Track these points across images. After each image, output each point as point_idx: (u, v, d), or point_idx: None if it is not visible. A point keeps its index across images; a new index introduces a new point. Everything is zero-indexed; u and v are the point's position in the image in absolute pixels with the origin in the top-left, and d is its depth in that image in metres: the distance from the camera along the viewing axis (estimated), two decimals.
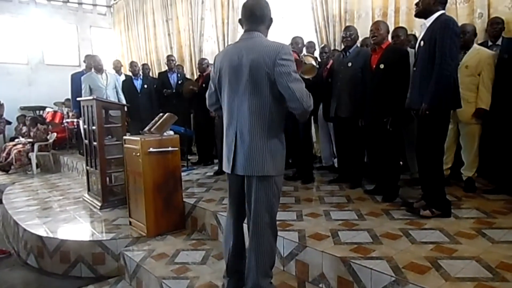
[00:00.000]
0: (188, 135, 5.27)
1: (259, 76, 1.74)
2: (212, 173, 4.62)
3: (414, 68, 2.73)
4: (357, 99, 3.39)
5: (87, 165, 4.55)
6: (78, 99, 4.94)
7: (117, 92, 5.53)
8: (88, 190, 4.56)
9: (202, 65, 5.26)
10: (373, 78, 3.19)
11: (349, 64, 3.53)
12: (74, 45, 10.43)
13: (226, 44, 6.67)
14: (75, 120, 7.78)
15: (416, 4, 2.65)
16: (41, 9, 9.53)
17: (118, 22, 10.41)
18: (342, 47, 3.70)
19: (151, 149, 3.13)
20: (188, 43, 7.66)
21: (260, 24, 1.84)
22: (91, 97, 4.21)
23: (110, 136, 4.44)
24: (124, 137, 3.48)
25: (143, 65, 6.26)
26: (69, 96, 8.34)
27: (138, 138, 3.17)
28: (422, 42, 2.63)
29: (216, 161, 5.35)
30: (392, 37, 3.50)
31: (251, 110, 1.78)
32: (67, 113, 8.41)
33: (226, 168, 1.90)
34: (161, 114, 3.55)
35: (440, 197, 2.63)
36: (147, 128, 3.49)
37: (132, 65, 5.88)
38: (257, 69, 1.74)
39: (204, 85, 5.12)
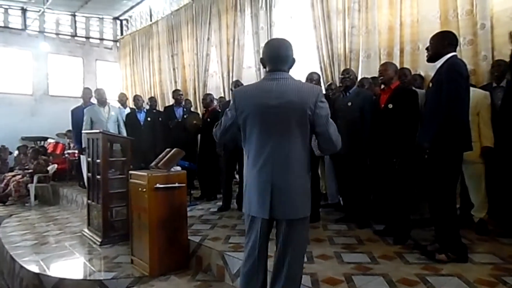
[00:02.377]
0: (192, 169, 5.22)
1: (299, 118, 1.74)
2: (216, 209, 4.53)
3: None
4: (355, 137, 3.43)
5: (88, 198, 4.47)
6: (83, 131, 4.97)
7: (118, 125, 5.56)
8: (88, 224, 4.46)
9: (207, 100, 5.31)
10: (382, 118, 3.21)
11: (349, 104, 3.58)
12: (79, 77, 10.63)
13: (230, 80, 6.78)
14: (76, 151, 7.80)
15: (427, 49, 2.71)
16: (49, 42, 9.77)
17: (124, 56, 10.65)
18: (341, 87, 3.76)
19: (158, 185, 3.07)
20: (193, 77, 7.81)
21: (285, 64, 1.84)
22: (97, 130, 4.21)
23: (113, 170, 4.41)
24: (130, 171, 3.43)
25: (150, 98, 6.32)
26: (71, 128, 8.52)
27: (145, 174, 3.12)
28: (430, 84, 2.67)
29: (219, 196, 5.29)
30: (399, 77, 3.55)
31: (291, 152, 1.76)
32: (68, 144, 8.43)
33: (259, 212, 1.81)
34: (168, 149, 3.52)
35: (455, 240, 2.56)
36: (153, 163, 3.45)
37: (136, 98, 5.95)
38: (298, 110, 1.73)
39: (209, 119, 5.15)
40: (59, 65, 10.24)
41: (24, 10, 9.64)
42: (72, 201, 6.37)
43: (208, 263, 3.07)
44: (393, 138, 3.08)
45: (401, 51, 4.70)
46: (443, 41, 2.60)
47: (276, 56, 1.83)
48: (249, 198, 1.87)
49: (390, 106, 3.17)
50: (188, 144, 5.44)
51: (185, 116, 5.71)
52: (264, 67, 1.89)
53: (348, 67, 5.09)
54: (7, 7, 9.42)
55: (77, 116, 5.48)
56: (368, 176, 3.50)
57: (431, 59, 2.68)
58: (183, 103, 5.99)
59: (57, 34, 10.24)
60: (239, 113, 1.86)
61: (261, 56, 1.91)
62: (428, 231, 3.15)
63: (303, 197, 1.78)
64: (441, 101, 2.48)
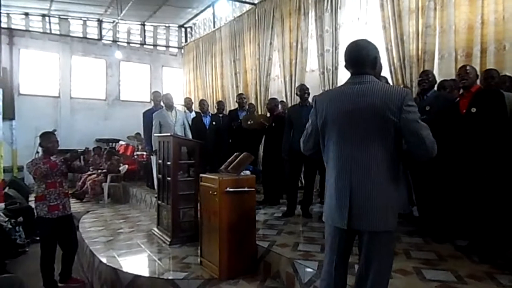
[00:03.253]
0: (255, 173, 5.25)
1: (381, 123, 1.65)
2: (280, 214, 4.50)
3: None
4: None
5: (158, 199, 4.66)
6: (155, 135, 5.20)
7: (184, 128, 5.74)
8: (158, 224, 4.65)
9: (271, 104, 5.30)
10: (464, 123, 2.97)
11: (427, 108, 3.34)
12: (146, 83, 11.26)
13: (293, 84, 6.74)
14: (145, 153, 8.22)
15: None
16: (121, 51, 10.46)
17: (188, 62, 11.08)
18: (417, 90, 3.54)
19: (228, 189, 3.11)
20: (255, 82, 7.88)
21: (367, 67, 1.76)
22: (167, 134, 4.38)
23: (181, 172, 4.56)
24: (201, 174, 3.51)
25: (219, 102, 6.49)
26: (140, 131, 8.99)
27: (216, 177, 3.17)
28: None
29: (282, 201, 5.25)
30: (486, 79, 3.26)
31: (370, 159, 1.67)
32: (137, 146, 8.92)
33: (337, 222, 1.76)
34: (237, 153, 3.55)
35: None
36: (223, 166, 3.50)
37: (201, 103, 6.12)
38: (380, 115, 1.65)
39: (273, 124, 5.14)
40: (129, 71, 10.95)
41: (100, 22, 10.44)
42: (141, 200, 6.71)
43: (277, 270, 3.04)
44: (478, 145, 2.83)
45: (483, 51, 4.33)
46: None
47: (357, 58, 1.76)
48: (328, 207, 1.81)
49: (473, 110, 2.94)
50: (252, 148, 5.47)
51: (249, 122, 5.74)
52: (348, 70, 1.83)
53: (422, 69, 4.81)
54: (85, 19, 10.26)
55: (148, 118, 5.76)
56: (449, 185, 3.23)
57: None
58: (247, 107, 6.05)
59: (128, 43, 10.96)
60: (319, 119, 1.83)
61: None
62: None
63: (385, 209, 1.66)
64: None
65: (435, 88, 3.59)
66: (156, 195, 5.59)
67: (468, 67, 3.08)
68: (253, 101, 7.77)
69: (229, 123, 5.77)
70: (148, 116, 5.80)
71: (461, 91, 3.14)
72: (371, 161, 1.66)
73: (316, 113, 1.86)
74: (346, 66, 1.84)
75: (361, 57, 1.76)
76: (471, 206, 2.95)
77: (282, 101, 6.23)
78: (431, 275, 2.50)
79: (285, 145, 4.45)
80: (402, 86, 4.81)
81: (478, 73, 3.31)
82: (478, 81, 3.22)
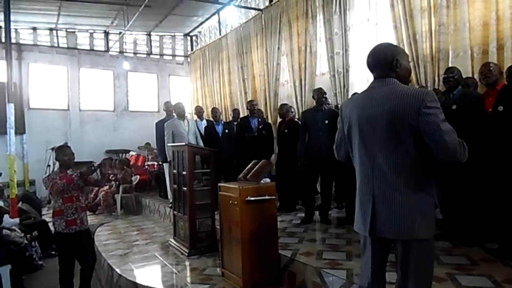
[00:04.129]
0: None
1: (399, 128, 1.59)
2: (298, 221, 4.43)
3: None
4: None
5: (174, 209, 4.61)
6: (168, 144, 5.16)
7: (196, 137, 5.69)
8: (174, 235, 4.59)
9: (283, 110, 5.25)
10: (491, 122, 2.88)
11: (454, 107, 3.24)
12: (154, 92, 11.27)
13: (303, 88, 6.69)
14: (156, 163, 8.21)
15: None
16: (128, 61, 10.50)
17: (194, 70, 11.08)
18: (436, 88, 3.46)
19: (249, 198, 3.05)
20: (264, 88, 7.82)
21: (388, 70, 1.72)
22: (181, 143, 4.34)
23: (196, 181, 4.51)
24: (220, 184, 3.46)
25: (234, 110, 6.45)
26: (149, 140, 8.99)
27: (236, 186, 3.11)
28: None
29: (298, 207, 5.18)
30: (509, 76, 3.17)
31: (391, 165, 1.62)
32: (148, 156, 8.91)
33: (361, 229, 1.74)
34: (255, 160, 3.49)
35: None
36: (241, 174, 3.45)
37: (214, 110, 6.08)
38: (397, 119, 1.59)
39: (286, 130, 5.09)
40: (136, 82, 10.96)
41: (106, 33, 10.49)
42: (154, 211, 6.67)
43: (303, 280, 2.95)
44: (507, 144, 2.74)
45: (500, 48, 4.23)
46: None
47: (378, 62, 1.74)
48: (356, 214, 1.79)
49: (501, 108, 2.86)
50: (264, 155, 5.41)
51: (260, 127, 5.70)
52: (372, 74, 1.80)
53: (436, 68, 4.73)
54: (92, 31, 10.32)
55: (160, 128, 5.73)
56: (477, 185, 3.13)
57: None
58: (256, 114, 5.98)
59: (135, 53, 10.99)
60: (344, 126, 1.83)
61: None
62: None
63: (411, 216, 1.59)
64: None
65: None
66: (170, 205, 5.63)
67: (491, 64, 3.02)
68: (262, 108, 7.69)
69: (240, 131, 5.73)
70: (160, 126, 5.78)
71: (485, 89, 3.06)
72: (392, 168, 1.62)
73: (342, 120, 1.86)
74: (369, 70, 1.81)
75: (378, 60, 1.74)
76: (501, 207, 2.86)
77: (291, 106, 6.15)
78: (466, 281, 2.40)
79: (300, 149, 4.41)
80: (417, 86, 4.72)
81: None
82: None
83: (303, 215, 4.50)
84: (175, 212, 4.58)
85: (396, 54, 1.74)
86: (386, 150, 1.63)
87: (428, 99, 1.57)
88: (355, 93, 4.12)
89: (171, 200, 5.45)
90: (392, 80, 1.69)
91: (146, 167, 8.58)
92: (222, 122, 5.99)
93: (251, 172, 3.31)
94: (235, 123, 6.06)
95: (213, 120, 6.04)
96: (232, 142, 5.73)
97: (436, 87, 4.65)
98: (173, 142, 5.28)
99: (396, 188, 1.61)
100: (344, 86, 5.87)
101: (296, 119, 5.60)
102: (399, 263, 1.67)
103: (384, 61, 1.72)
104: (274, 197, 3.18)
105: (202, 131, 6.04)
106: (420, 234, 1.60)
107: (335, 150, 1.96)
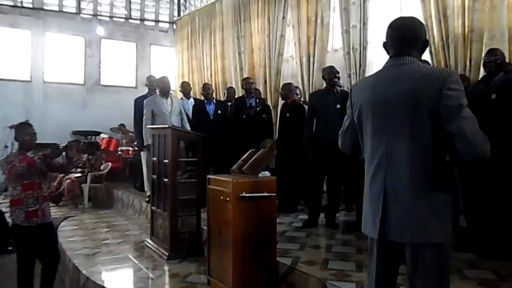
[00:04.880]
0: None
1: (418, 112, 1.61)
2: (300, 224, 4.45)
3: None
4: (500, 140, 3.04)
5: (152, 204, 4.60)
6: (147, 127, 5.11)
7: (181, 119, 5.64)
8: (152, 234, 4.59)
9: (285, 90, 5.22)
10: None
11: (493, 96, 3.23)
12: (132, 64, 11.15)
13: (311, 66, 6.63)
14: (131, 148, 8.16)
15: None
16: (103, 26, 10.34)
17: (181, 40, 10.95)
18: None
19: (244, 194, 3.04)
20: (263, 63, 7.75)
21: (412, 47, 1.75)
22: (164, 125, 4.29)
23: (179, 172, 4.49)
24: (209, 176, 3.45)
25: (229, 88, 6.39)
26: (124, 121, 8.93)
27: (229, 179, 3.10)
28: None
29: (300, 207, 5.19)
30: None
31: (407, 155, 1.64)
32: (122, 140, 8.86)
33: (369, 231, 1.76)
34: (253, 149, 3.47)
35: None
36: (235, 166, 3.43)
37: (206, 87, 5.99)
38: (416, 103, 1.61)
39: (288, 114, 5.06)
40: (112, 51, 10.82)
41: None
42: (128, 205, 6.67)
43: None
44: None
45: None
46: None
47: (401, 38, 1.75)
48: (363, 213, 1.83)
49: None
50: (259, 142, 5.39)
51: (258, 109, 5.66)
52: (388, 53, 1.82)
53: (468, 50, 4.70)
54: None
55: (140, 106, 5.67)
56: (509, 189, 3.14)
57: None
58: (253, 94, 5.92)
59: (111, 17, 10.78)
60: (354, 110, 1.85)
61: (375, 41, 1.83)
62: None
63: (426, 216, 1.61)
64: None
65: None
66: (147, 199, 5.62)
67: None
68: (261, 88, 7.63)
69: (235, 114, 5.68)
70: (140, 104, 5.73)
71: None
72: (408, 159, 1.64)
73: (351, 104, 1.88)
74: (385, 46, 1.82)
75: (404, 36, 1.75)
76: None
77: (296, 87, 6.12)
78: None
79: (306, 138, 4.42)
80: (449, 69, 4.70)
81: None
82: None
83: (305, 217, 4.52)
84: (153, 208, 4.56)
85: (424, 33, 1.78)
86: (402, 140, 1.65)
87: (451, 80, 1.58)
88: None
89: (148, 193, 5.43)
90: (411, 58, 1.71)
91: (120, 152, 8.54)
92: (215, 101, 5.93)
93: (248, 163, 3.29)
94: (229, 103, 6.02)
95: (204, 98, 5.98)
96: (225, 126, 5.68)
97: (467, 73, 4.64)
98: (153, 123, 5.25)
99: (411, 184, 1.63)
100: (360, 65, 5.82)
101: (301, 102, 5.57)
102: (408, 272, 1.70)
103: (410, 37, 1.74)
104: (274, 194, 3.18)
105: (189, 112, 6.00)
106: (433, 237, 1.62)
107: (340, 137, 1.99)
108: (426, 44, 1.78)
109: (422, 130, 1.62)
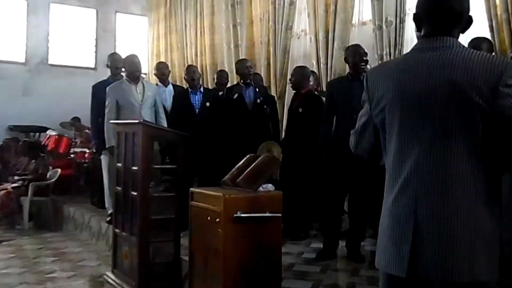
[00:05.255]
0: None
1: (464, 112, 1.62)
2: (313, 255, 4.45)
3: None
4: None
5: (115, 226, 4.60)
6: (110, 121, 5.11)
7: (156, 112, 5.65)
8: (114, 266, 4.61)
9: (297, 77, 5.21)
10: None
11: None
12: (90, 38, 11.21)
13: (330, 44, 6.65)
14: (88, 150, 8.16)
15: None
16: None
17: (157, 6, 11.04)
18: None
19: (239, 213, 3.06)
20: (266, 39, 7.80)
21: (456, 25, 1.76)
22: (135, 120, 4.30)
23: (153, 183, 4.50)
24: (193, 189, 3.48)
25: (220, 72, 6.42)
26: (79, 114, 8.92)
27: (220, 194, 3.14)
28: None
29: (313, 233, 5.21)
30: None
31: (447, 167, 1.64)
32: (75, 139, 8.85)
33: (391, 266, 1.74)
34: (251, 154, 3.49)
35: None
36: (227, 176, 3.46)
37: (190, 71, 5.97)
38: (462, 100, 1.62)
39: (300, 109, 5.06)
40: (64, 20, 10.90)
41: None
42: (83, 227, 6.67)
43: None
44: None
45: None
46: None
47: (441, 11, 1.75)
48: (380, 243, 1.82)
49: None
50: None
51: (258, 100, 5.66)
52: (419, 29, 1.82)
53: None
54: None
55: (101, 95, 5.67)
56: None
57: None
58: (251, 81, 5.93)
59: None
60: (374, 105, 1.84)
61: (414, 11, 1.84)
62: None
63: (472, 247, 1.61)
64: None
65: None
66: (108, 219, 5.63)
67: None
68: (262, 72, 7.69)
69: (227, 107, 5.70)
70: (100, 92, 5.74)
71: None
72: (451, 171, 1.63)
73: (369, 97, 1.87)
74: (417, 20, 1.83)
75: (449, 11, 1.74)
76: None
77: (313, 72, 6.15)
78: None
79: (323, 140, 4.43)
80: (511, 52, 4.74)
81: None
82: None
83: (320, 245, 4.53)
84: (116, 231, 4.56)
85: (469, 7, 1.78)
86: (443, 145, 1.65)
87: (509, 73, 1.59)
88: None
89: (110, 211, 5.43)
90: (454, 40, 1.73)
91: (72, 155, 8.53)
92: (202, 90, 5.94)
93: (245, 173, 3.32)
94: (221, 93, 6.03)
95: (188, 85, 5.98)
96: (215, 123, 5.69)
97: None
98: (118, 118, 5.26)
99: (455, 202, 1.62)
100: (396, 44, 5.85)
101: (317, 92, 5.61)
102: None
103: (456, 12, 1.74)
104: (279, 214, 3.22)
105: (166, 104, 6.02)
106: (480, 274, 1.62)
107: (353, 138, 1.99)
108: (470, 21, 1.79)
109: (468, 133, 1.63)
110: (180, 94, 6.01)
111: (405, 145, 1.73)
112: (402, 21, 5.88)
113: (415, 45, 1.81)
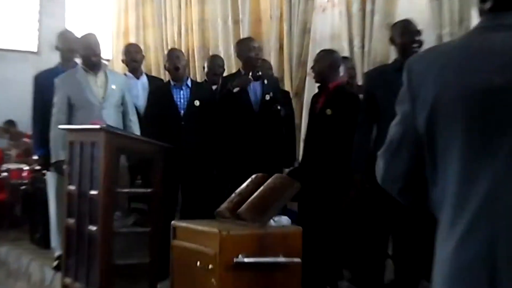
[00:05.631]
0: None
1: None
2: None
3: None
4: None
5: (66, 274, 4.62)
6: (59, 127, 5.11)
7: (124, 113, 5.68)
8: None
9: (322, 66, 5.24)
10: None
11: None
12: (32, 11, 11.32)
13: (368, 20, 6.68)
14: (27, 167, 8.20)
15: None
16: None
17: None
18: None
19: (241, 258, 3.07)
20: (278, 13, 7.87)
21: None
22: (96, 126, 4.32)
23: (119, 213, 4.52)
24: (175, 222, 3.47)
25: (213, 57, 6.55)
26: (17, 117, 8.98)
27: (215, 230, 3.16)
28: None
29: (345, 283, 5.25)
30: None
31: None
32: (10, 150, 8.89)
33: None
34: (258, 174, 3.49)
35: None
36: (224, 205, 3.46)
37: (173, 56, 5.97)
38: None
39: (329, 110, 5.08)
40: None
41: None
42: (19, 274, 6.67)
43: None
44: None
45: None
46: None
47: None
48: None
49: None
50: (278, 161, 5.44)
51: (267, 97, 5.68)
52: (482, 1, 1.80)
53: None
54: None
55: (46, 90, 5.70)
56: None
57: None
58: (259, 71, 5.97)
59: None
60: (419, 109, 1.78)
61: None
62: None
63: None
64: None
65: None
66: (56, 264, 5.65)
67: None
68: (272, 56, 7.75)
69: (224, 106, 5.73)
70: (45, 85, 5.79)
71: None
72: None
73: (411, 97, 1.81)
74: None
75: None
76: None
77: (345, 58, 6.16)
78: None
79: (358, 153, 4.48)
80: None
81: None
82: None
83: None
84: (66, 281, 4.59)
85: None
86: None
87: None
88: None
89: (57, 253, 5.49)
90: None
91: (5, 174, 8.55)
92: (189, 83, 5.98)
93: (249, 200, 3.36)
94: (215, 86, 6.11)
95: (170, 76, 6.05)
96: (208, 128, 5.74)
97: None
98: (71, 121, 5.31)
99: None
100: (461, 20, 5.88)
101: (351, 85, 5.68)
102: None
103: None
104: (298, 259, 3.24)
105: (139, 101, 6.12)
106: None
107: (381, 161, 1.93)
108: None
109: None
110: (158, 89, 6.10)
111: (473, 162, 1.71)
112: None
113: (480, 22, 1.80)
